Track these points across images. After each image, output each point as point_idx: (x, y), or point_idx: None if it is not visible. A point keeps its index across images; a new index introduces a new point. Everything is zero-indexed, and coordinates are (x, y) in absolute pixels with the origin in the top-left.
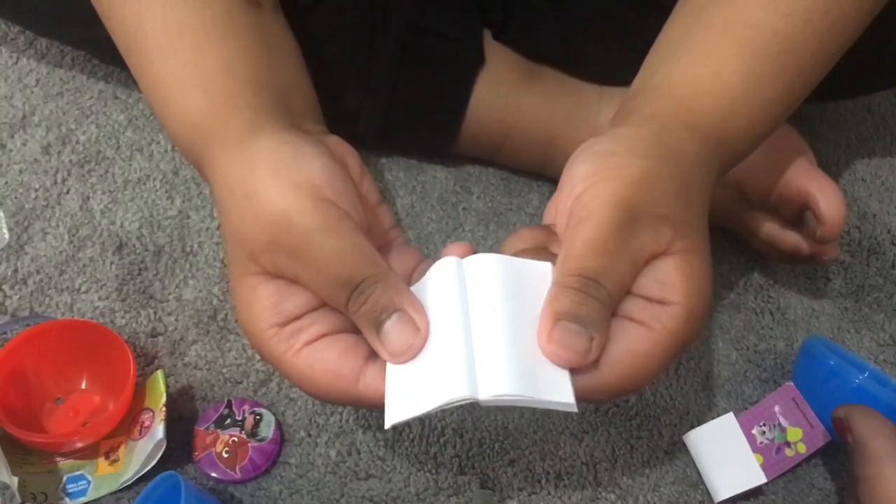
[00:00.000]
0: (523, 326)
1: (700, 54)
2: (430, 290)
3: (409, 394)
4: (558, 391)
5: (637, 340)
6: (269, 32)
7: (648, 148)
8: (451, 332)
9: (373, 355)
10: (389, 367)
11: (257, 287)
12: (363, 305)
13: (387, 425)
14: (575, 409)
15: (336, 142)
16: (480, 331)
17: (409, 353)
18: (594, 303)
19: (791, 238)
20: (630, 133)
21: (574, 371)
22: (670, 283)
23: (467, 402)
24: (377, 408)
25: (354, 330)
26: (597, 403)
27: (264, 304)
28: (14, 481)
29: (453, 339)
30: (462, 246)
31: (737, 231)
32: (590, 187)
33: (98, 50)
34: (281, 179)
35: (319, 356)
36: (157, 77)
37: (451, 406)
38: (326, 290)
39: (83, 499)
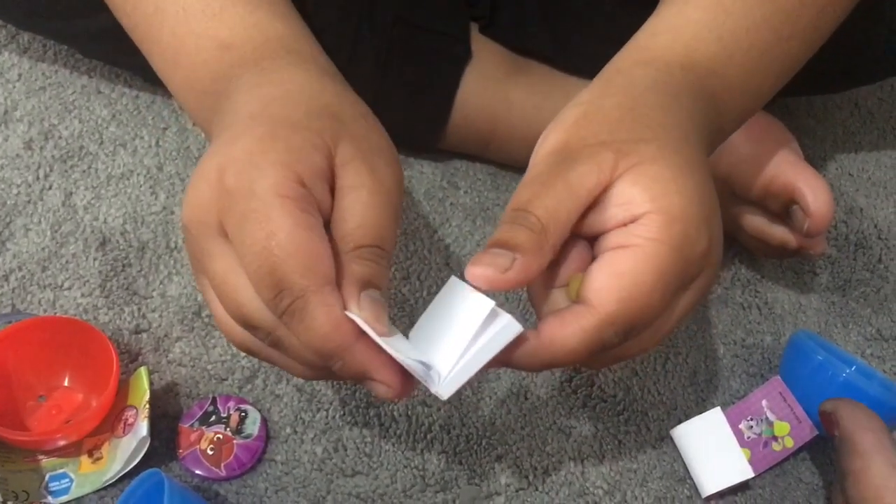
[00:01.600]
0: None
1: (668, 3)
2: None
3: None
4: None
5: (617, 262)
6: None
7: (590, 91)
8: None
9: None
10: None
11: (318, 150)
12: (370, 262)
13: (443, 393)
14: (519, 327)
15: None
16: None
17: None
18: (520, 229)
19: (778, 232)
20: (583, 90)
21: (564, 317)
22: (630, 199)
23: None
24: (306, 328)
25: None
26: (616, 351)
27: (311, 161)
28: None
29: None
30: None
31: (724, 226)
32: (536, 147)
33: (80, 44)
34: (378, 127)
35: (319, 231)
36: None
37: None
38: (365, 222)
39: (66, 497)
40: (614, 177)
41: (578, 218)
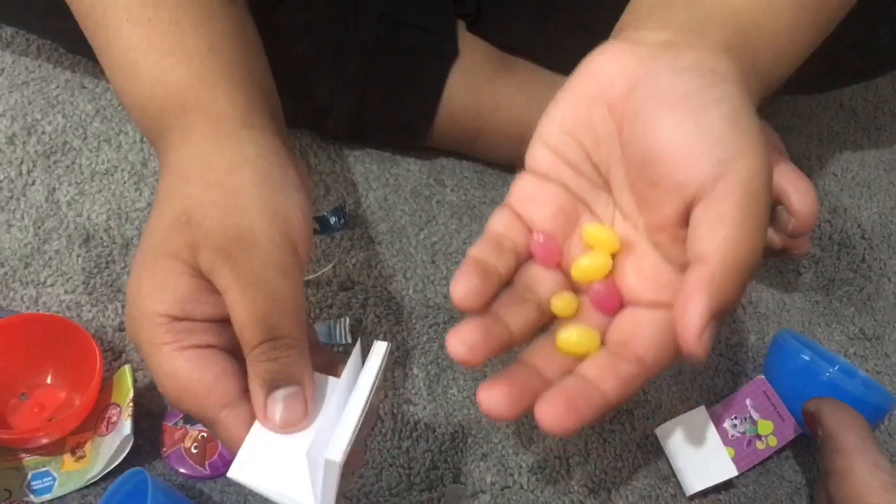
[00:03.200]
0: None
1: None
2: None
3: (262, 462)
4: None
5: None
6: (245, 27)
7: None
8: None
9: (246, 394)
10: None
11: (180, 275)
12: (269, 362)
13: (230, 474)
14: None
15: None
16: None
17: (283, 429)
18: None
19: None
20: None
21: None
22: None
23: None
24: (223, 442)
25: (233, 352)
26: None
27: (177, 293)
28: None
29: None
30: None
31: None
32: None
33: (64, 39)
34: (263, 198)
35: (202, 364)
36: (126, 43)
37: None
38: (245, 321)
39: (48, 496)
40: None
41: None
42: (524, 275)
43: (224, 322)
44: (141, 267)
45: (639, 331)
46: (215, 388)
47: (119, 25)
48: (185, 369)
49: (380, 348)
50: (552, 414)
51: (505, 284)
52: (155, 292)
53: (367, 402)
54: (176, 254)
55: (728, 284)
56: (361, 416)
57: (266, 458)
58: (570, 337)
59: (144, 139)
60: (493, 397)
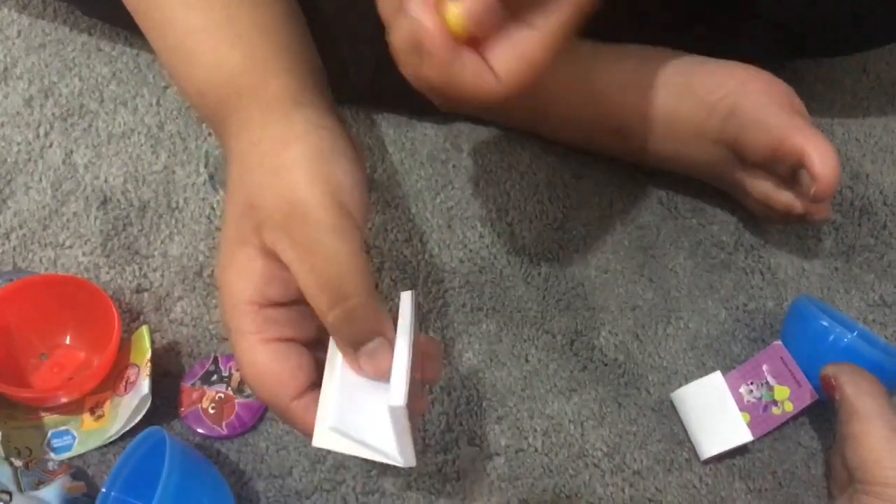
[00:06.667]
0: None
1: None
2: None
3: (342, 423)
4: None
5: None
6: (293, 6)
7: None
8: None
9: (315, 386)
10: (327, 389)
11: (254, 259)
12: (346, 326)
13: (314, 443)
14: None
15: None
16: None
17: (378, 378)
18: None
19: (784, 197)
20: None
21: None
22: None
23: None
24: (293, 427)
25: (310, 343)
26: None
27: (255, 278)
28: None
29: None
30: None
31: (730, 191)
32: None
33: (81, 2)
34: (312, 169)
35: (280, 357)
36: (184, 27)
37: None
38: (313, 289)
39: (68, 454)
40: None
41: None
42: None
43: (303, 305)
44: (223, 257)
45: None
46: (290, 381)
47: (174, 9)
48: (265, 361)
49: (406, 297)
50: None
51: None
52: (236, 281)
53: (410, 347)
54: (247, 240)
55: None
56: (409, 359)
57: (343, 419)
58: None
59: (161, 102)
60: None
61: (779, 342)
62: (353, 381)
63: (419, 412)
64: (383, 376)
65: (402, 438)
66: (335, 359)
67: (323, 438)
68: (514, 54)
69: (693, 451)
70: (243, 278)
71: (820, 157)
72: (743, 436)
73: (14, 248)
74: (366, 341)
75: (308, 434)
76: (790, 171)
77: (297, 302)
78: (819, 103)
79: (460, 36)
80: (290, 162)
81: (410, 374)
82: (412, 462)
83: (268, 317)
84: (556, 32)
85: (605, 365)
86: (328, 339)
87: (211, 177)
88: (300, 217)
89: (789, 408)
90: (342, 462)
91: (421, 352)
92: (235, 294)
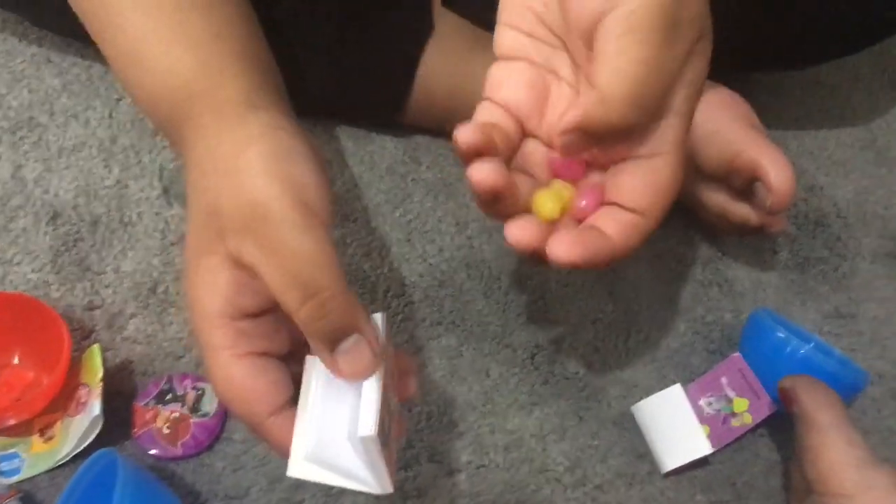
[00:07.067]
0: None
1: None
2: None
3: (315, 454)
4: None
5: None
6: (248, 9)
7: None
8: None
9: (291, 402)
10: (301, 415)
11: (221, 270)
12: (319, 321)
13: (288, 473)
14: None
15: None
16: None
17: (358, 379)
18: None
19: (740, 209)
20: None
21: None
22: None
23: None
24: (269, 445)
25: (284, 356)
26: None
27: (223, 289)
28: None
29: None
30: None
31: (687, 203)
32: None
33: (30, 13)
34: (270, 169)
35: (255, 372)
36: (134, 33)
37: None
38: (282, 287)
39: (17, 477)
40: None
41: None
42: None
43: (276, 313)
44: (189, 270)
45: (625, 183)
46: (265, 398)
47: (125, 14)
48: (240, 377)
49: (377, 318)
50: (561, 243)
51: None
52: (204, 294)
53: (382, 372)
54: (211, 250)
55: (610, 105)
56: (380, 385)
57: (318, 448)
58: (541, 196)
59: (113, 115)
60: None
61: (737, 354)
62: (330, 407)
63: (402, 435)
64: (364, 376)
65: (376, 466)
66: (310, 382)
67: (298, 468)
68: (649, 189)
69: (654, 464)
70: (211, 290)
71: (776, 170)
72: (703, 448)
73: None
74: (342, 338)
75: (284, 452)
76: (746, 184)
77: (268, 311)
78: (773, 116)
79: (555, 219)
80: (248, 164)
81: (386, 398)
82: (389, 489)
83: (240, 330)
84: (679, 149)
85: (567, 378)
86: (304, 352)
87: (165, 190)
88: (261, 217)
89: (748, 420)
90: (300, 482)
91: (399, 369)
92: (205, 307)
